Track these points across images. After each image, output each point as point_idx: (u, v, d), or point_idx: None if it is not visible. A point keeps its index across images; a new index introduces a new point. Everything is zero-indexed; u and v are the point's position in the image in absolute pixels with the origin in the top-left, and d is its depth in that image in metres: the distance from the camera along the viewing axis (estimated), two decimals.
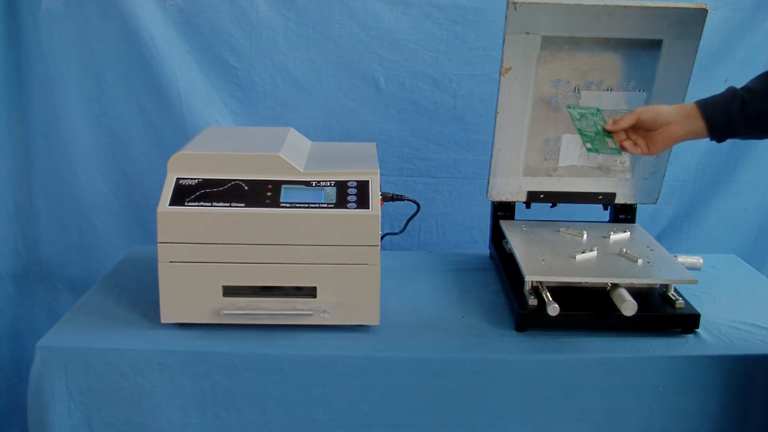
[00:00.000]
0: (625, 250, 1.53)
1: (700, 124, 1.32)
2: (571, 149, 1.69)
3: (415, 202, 1.63)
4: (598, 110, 1.47)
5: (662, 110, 1.36)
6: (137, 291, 1.56)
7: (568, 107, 1.49)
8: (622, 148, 1.40)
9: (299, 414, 1.35)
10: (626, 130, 1.40)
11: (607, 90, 1.62)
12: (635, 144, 1.39)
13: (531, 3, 1.49)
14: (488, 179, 1.70)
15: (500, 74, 1.57)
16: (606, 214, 1.80)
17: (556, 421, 1.36)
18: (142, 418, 1.34)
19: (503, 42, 1.53)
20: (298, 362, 1.34)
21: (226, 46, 2.09)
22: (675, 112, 1.35)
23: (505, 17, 1.50)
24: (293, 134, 1.61)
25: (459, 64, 2.13)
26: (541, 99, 1.63)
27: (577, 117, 1.46)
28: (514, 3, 1.48)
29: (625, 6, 1.50)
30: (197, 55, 2.09)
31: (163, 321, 1.40)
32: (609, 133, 1.41)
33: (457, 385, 1.34)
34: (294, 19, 2.09)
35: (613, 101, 1.63)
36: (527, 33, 1.54)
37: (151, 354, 1.33)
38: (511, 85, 1.59)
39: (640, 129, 1.39)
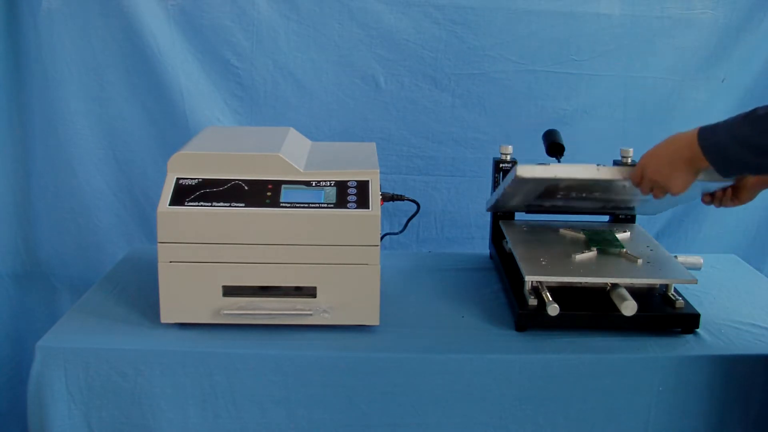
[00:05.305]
0: (625, 250, 1.53)
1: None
2: None
3: (415, 202, 1.63)
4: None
5: None
6: (137, 291, 1.56)
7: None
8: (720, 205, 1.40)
9: (299, 414, 1.35)
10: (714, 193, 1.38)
11: None
12: (732, 199, 1.36)
13: None
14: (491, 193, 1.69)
15: None
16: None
17: (556, 421, 1.36)
18: (142, 418, 1.34)
19: None
20: (298, 362, 1.34)
21: (228, 45, 2.10)
22: None
23: None
24: (293, 134, 1.61)
25: (458, 64, 2.14)
26: None
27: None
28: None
29: None
30: (199, 55, 2.10)
31: (163, 321, 1.40)
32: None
33: (457, 385, 1.34)
34: (295, 19, 2.09)
35: None
36: None
37: (151, 354, 1.33)
38: None
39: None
